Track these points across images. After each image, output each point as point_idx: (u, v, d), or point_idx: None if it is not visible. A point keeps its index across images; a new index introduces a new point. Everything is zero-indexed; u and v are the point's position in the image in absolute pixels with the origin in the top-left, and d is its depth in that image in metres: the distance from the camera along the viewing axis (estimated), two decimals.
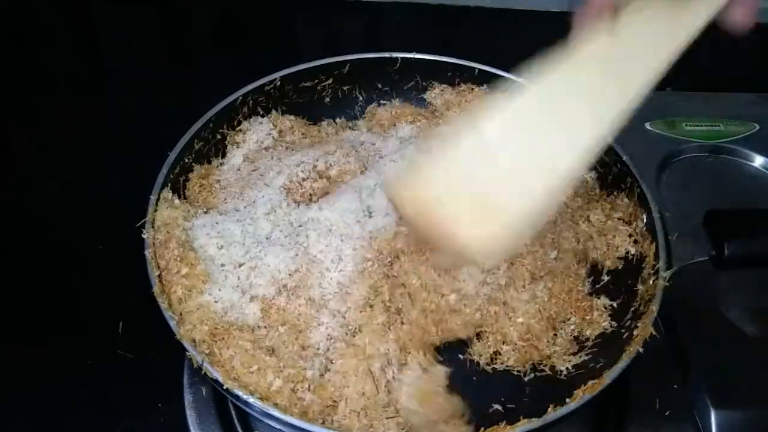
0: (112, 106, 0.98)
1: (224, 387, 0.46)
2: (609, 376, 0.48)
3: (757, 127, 0.90)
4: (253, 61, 1.06)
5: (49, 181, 0.82)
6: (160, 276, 0.53)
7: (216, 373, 0.47)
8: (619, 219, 0.64)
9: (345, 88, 0.75)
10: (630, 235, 0.62)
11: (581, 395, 0.48)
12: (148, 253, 0.53)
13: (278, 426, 0.46)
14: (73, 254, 0.73)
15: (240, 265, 0.56)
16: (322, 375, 0.52)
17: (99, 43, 1.09)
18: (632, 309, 0.57)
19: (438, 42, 0.78)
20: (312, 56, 0.72)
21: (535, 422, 0.46)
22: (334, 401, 0.51)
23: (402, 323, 0.55)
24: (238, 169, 0.67)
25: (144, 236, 0.54)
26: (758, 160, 0.86)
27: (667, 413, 0.61)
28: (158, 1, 1.14)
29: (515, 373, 0.56)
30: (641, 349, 0.50)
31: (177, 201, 0.60)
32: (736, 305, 0.69)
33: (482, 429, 0.49)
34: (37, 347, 0.65)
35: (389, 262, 0.58)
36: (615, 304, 0.59)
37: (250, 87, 0.68)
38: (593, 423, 0.61)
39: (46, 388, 0.63)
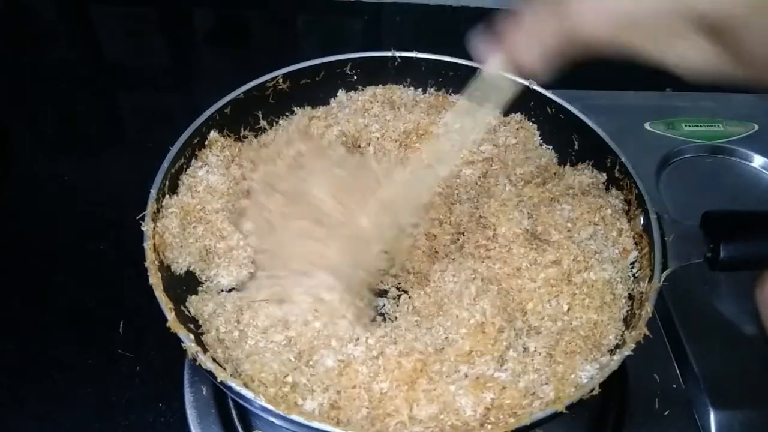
0: (112, 106, 0.98)
1: (219, 380, 0.46)
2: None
3: (757, 127, 0.90)
4: (253, 61, 1.07)
5: (49, 181, 0.82)
6: (160, 266, 0.53)
7: (210, 364, 0.46)
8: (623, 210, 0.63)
9: (345, 86, 0.75)
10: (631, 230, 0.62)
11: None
12: (147, 245, 0.53)
13: (278, 422, 0.46)
14: (74, 254, 0.73)
15: None
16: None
17: (99, 43, 1.09)
18: (627, 309, 0.57)
19: (438, 42, 0.78)
20: (312, 56, 0.72)
21: (523, 420, 0.46)
22: None
23: None
24: None
25: (143, 228, 0.54)
26: (757, 161, 0.86)
27: (666, 413, 0.61)
28: (158, 1, 1.15)
29: None
30: (631, 352, 0.49)
31: None
32: (736, 305, 0.69)
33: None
34: (36, 347, 0.65)
35: None
36: None
37: (250, 86, 0.68)
38: (593, 423, 0.61)
39: (46, 388, 0.63)
